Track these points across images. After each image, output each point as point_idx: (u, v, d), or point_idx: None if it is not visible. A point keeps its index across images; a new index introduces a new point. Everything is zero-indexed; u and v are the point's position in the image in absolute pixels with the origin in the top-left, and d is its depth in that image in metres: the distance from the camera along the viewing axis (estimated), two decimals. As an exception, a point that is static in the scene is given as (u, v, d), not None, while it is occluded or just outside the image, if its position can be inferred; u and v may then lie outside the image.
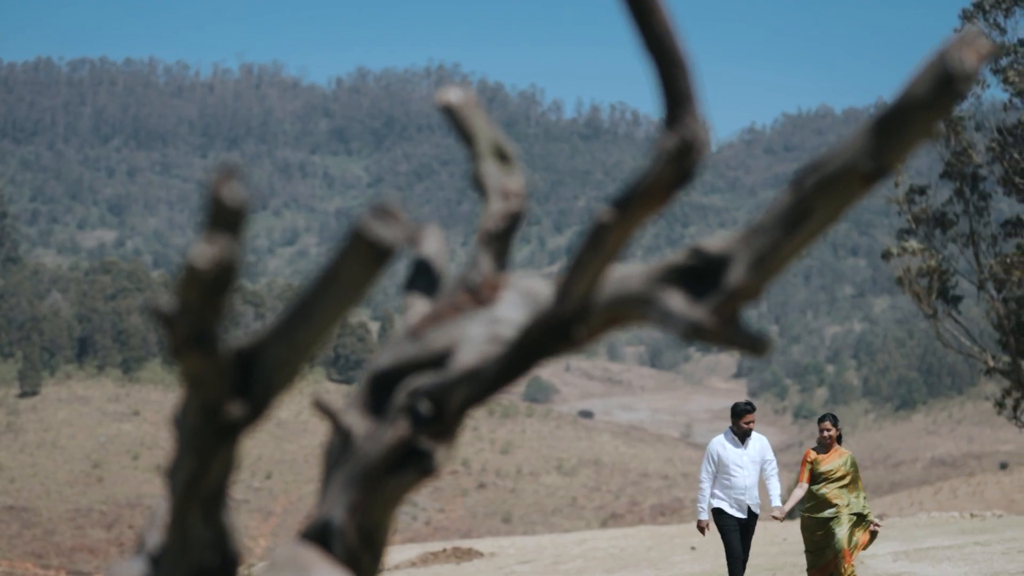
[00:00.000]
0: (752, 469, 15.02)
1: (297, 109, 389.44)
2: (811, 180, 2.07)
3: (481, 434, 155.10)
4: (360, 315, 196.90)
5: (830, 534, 14.86)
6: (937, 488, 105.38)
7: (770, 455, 15.26)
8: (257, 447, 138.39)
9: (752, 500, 14.99)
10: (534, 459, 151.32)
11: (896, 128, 2.02)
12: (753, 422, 15.19)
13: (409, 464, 2.36)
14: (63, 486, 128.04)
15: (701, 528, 15.12)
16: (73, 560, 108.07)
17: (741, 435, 15.09)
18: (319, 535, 2.40)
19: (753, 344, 2.14)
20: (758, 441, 15.17)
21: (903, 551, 21.12)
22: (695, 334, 2.13)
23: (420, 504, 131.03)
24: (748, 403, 15.61)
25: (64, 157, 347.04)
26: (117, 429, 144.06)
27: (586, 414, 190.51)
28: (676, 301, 2.15)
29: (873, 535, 15.16)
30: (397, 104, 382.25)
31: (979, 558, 19.40)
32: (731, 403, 15.77)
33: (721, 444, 15.11)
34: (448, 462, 2.38)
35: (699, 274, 2.15)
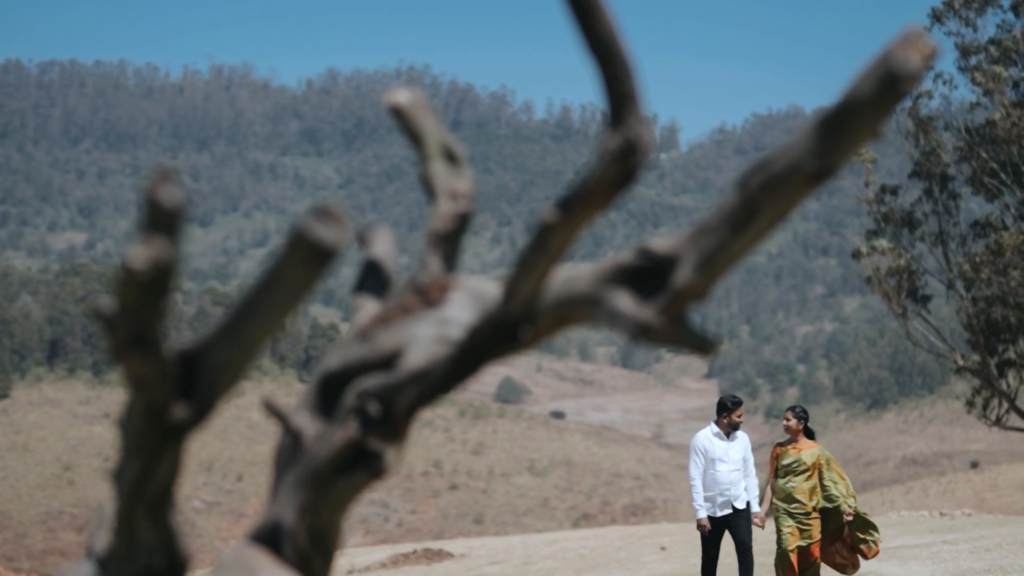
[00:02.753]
0: (738, 463, 15.01)
1: (267, 110, 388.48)
2: (757, 180, 2.07)
3: (453, 435, 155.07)
4: (331, 316, 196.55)
5: (796, 532, 14.85)
6: (908, 487, 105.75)
7: (749, 453, 15.30)
8: (228, 449, 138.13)
9: (736, 494, 14.97)
10: (506, 460, 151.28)
11: (841, 128, 2.02)
12: (742, 415, 15.25)
13: (359, 465, 2.35)
14: (34, 489, 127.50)
15: (702, 526, 14.92)
16: (44, 563, 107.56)
17: (729, 429, 15.10)
18: (269, 537, 2.40)
19: (700, 344, 2.15)
20: (741, 436, 15.20)
21: (872, 550, 21.14)
22: (642, 334, 2.13)
23: (392, 505, 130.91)
24: (735, 396, 15.66)
25: (34, 159, 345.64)
26: (88, 432, 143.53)
27: (558, 415, 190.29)
28: (623, 301, 2.14)
29: (851, 524, 14.89)
30: (367, 105, 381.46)
31: (946, 557, 19.45)
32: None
33: (707, 439, 15.08)
34: (398, 463, 2.37)
35: (646, 274, 2.15)
